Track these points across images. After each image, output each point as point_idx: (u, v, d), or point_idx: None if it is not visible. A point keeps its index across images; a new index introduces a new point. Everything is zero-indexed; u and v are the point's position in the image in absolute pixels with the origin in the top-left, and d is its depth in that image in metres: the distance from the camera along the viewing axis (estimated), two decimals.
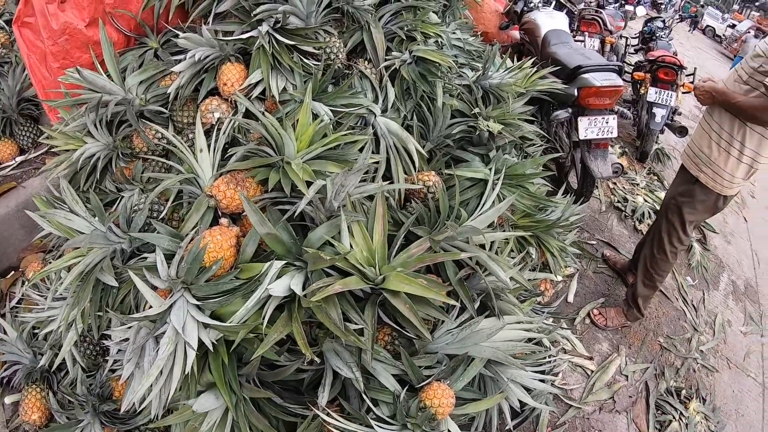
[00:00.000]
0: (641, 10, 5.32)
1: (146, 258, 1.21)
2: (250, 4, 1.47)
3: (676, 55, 4.34)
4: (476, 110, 1.79)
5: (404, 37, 1.73)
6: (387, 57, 1.67)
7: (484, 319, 1.38)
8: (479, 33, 3.10)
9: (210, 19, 1.51)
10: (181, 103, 1.49)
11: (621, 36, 5.19)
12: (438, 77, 1.75)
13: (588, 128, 2.48)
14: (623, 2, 5.32)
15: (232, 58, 1.45)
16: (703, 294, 3.06)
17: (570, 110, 2.52)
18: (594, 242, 3.00)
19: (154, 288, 1.09)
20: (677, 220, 2.18)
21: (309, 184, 1.20)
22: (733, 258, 3.65)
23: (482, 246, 1.45)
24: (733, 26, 15.56)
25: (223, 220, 1.22)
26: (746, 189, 5.18)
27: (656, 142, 4.17)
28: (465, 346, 1.31)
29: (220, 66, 1.44)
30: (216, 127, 1.37)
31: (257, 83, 1.41)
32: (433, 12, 2.01)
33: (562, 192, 2.86)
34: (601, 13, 4.38)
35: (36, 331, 1.69)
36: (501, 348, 1.36)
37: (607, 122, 2.50)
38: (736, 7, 24.57)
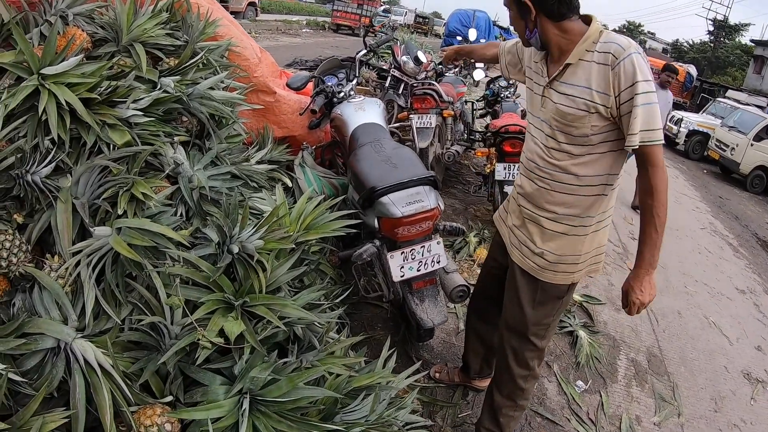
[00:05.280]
0: (479, 74, 5.00)
1: None
2: None
3: (525, 115, 4.06)
4: (192, 318, 1.17)
5: (109, 210, 1.28)
6: (77, 248, 1.19)
7: None
8: (277, 140, 2.58)
9: None
10: None
11: (466, 102, 4.91)
12: (142, 266, 1.22)
13: (403, 266, 1.80)
14: (462, 66, 5.07)
15: None
16: (600, 396, 2.49)
17: (377, 243, 1.83)
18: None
19: None
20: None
21: None
22: (627, 328, 3.19)
23: None
24: None
25: None
26: (626, 232, 4.98)
27: None
28: None
29: None
30: None
31: None
32: (178, 146, 1.52)
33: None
34: (434, 85, 4.06)
35: None
36: None
37: (429, 250, 1.83)
38: None
